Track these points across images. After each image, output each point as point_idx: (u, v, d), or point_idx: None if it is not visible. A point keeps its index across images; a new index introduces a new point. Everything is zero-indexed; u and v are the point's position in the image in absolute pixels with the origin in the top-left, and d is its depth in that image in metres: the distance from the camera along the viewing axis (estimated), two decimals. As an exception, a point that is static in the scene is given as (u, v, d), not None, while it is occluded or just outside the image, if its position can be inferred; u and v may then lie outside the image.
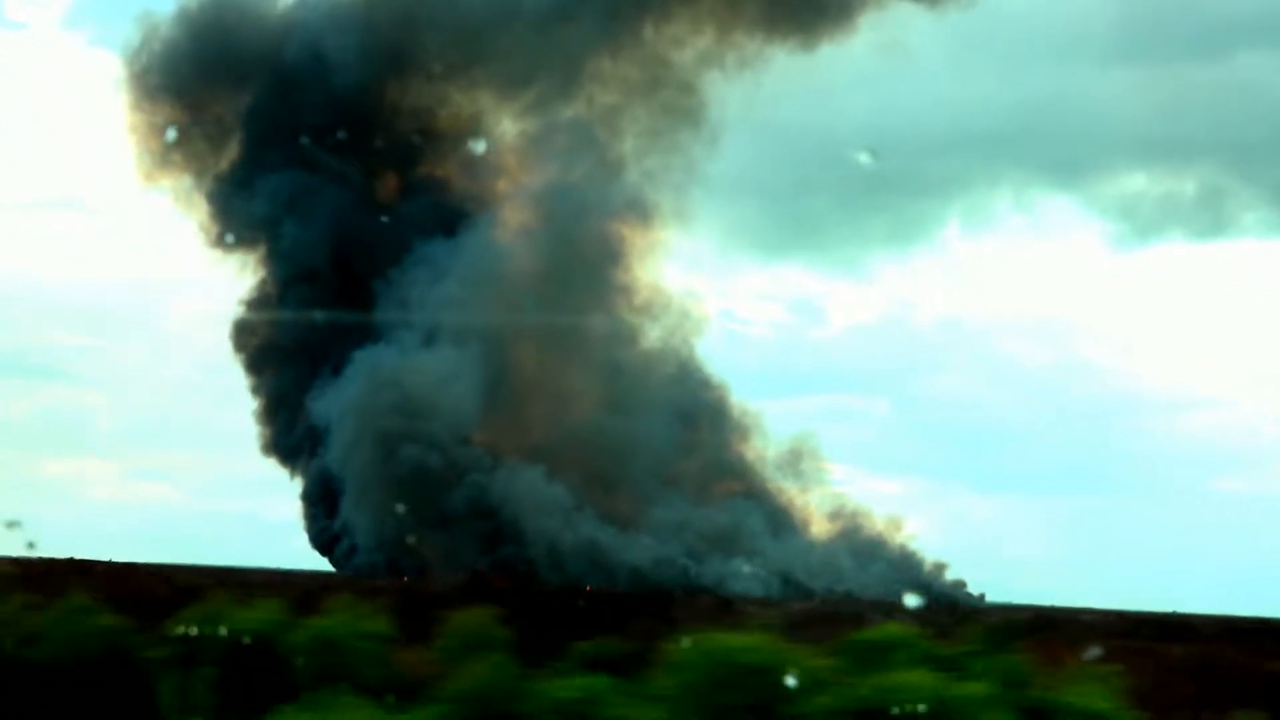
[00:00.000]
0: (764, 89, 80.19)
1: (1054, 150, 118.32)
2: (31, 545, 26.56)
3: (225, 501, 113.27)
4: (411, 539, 71.60)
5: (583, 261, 76.79)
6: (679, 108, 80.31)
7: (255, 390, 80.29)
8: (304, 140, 75.92)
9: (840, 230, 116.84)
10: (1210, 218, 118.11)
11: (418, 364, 72.43)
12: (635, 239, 79.77)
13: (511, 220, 78.52)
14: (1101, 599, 70.80)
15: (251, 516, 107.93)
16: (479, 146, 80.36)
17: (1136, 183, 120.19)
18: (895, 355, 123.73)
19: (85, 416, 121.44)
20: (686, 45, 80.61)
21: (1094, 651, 18.54)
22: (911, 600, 47.61)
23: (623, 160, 79.85)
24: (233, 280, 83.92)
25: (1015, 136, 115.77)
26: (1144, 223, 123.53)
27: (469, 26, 75.38)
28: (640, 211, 78.46)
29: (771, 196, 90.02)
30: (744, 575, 71.28)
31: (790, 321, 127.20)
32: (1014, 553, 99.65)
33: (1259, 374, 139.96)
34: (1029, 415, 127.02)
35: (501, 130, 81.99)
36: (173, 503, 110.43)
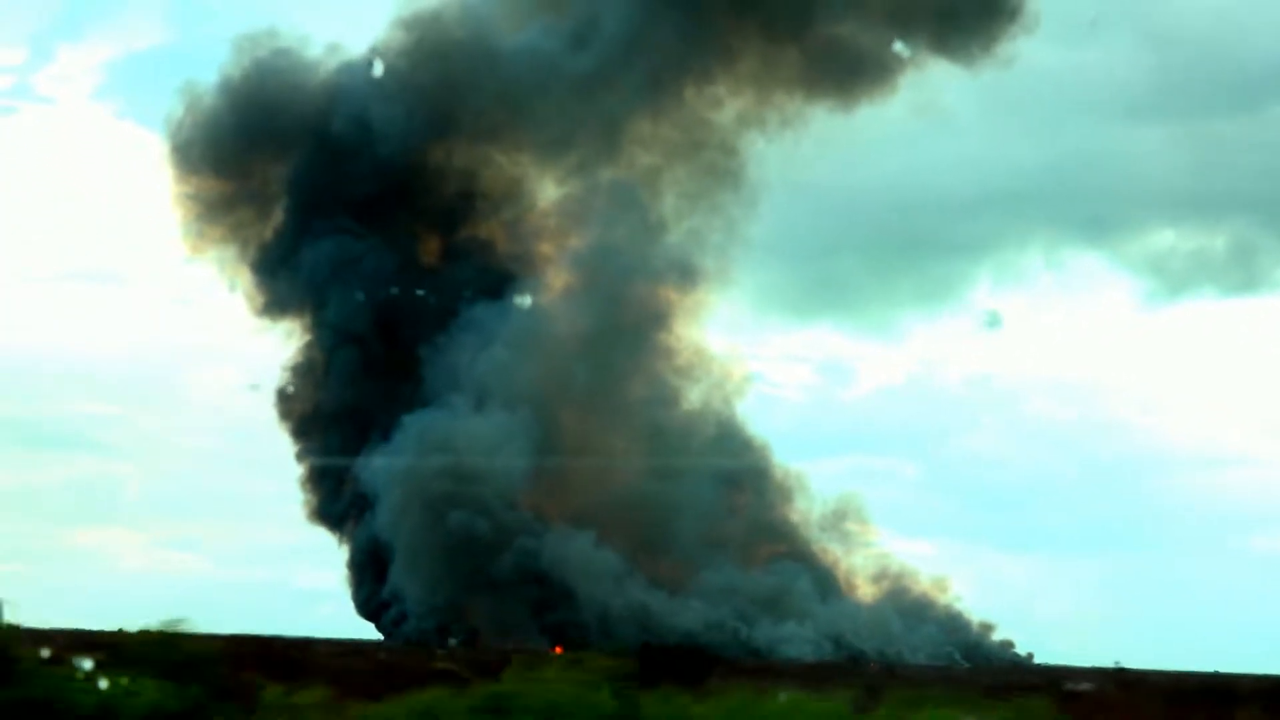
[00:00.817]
0: (799, 150, 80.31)
1: (1084, 208, 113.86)
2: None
3: (254, 570, 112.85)
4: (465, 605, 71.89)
5: (627, 323, 77.11)
6: (719, 169, 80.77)
7: (300, 457, 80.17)
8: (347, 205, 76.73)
9: (870, 291, 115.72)
10: (1242, 273, 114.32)
11: (468, 428, 72.27)
12: (678, 300, 79.70)
13: (556, 283, 79.04)
14: (1136, 658, 69.45)
15: (281, 584, 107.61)
16: (521, 209, 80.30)
17: (1166, 239, 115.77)
18: (924, 416, 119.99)
19: (114, 486, 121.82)
20: (726, 106, 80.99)
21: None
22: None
23: (664, 221, 80.00)
24: (265, 349, 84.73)
25: (1045, 195, 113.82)
26: (1174, 279, 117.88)
27: (510, 90, 76.03)
28: (684, 273, 78.65)
29: (802, 257, 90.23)
30: (796, 639, 71.15)
31: (819, 383, 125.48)
32: (1046, 612, 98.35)
33: None
34: (1058, 474, 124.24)
35: (544, 193, 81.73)
36: (200, 571, 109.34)
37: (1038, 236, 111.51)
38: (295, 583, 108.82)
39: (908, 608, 78.07)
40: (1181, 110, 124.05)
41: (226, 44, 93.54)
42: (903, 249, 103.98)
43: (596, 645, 66.39)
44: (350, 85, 78.71)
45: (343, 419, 78.21)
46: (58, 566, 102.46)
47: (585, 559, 71.87)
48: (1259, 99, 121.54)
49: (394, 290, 76.62)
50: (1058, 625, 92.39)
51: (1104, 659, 66.12)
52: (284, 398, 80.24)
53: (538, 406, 73.55)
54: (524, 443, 71.98)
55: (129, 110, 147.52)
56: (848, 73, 79.10)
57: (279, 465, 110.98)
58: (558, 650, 66.84)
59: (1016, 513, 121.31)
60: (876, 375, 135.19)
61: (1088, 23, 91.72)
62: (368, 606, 75.86)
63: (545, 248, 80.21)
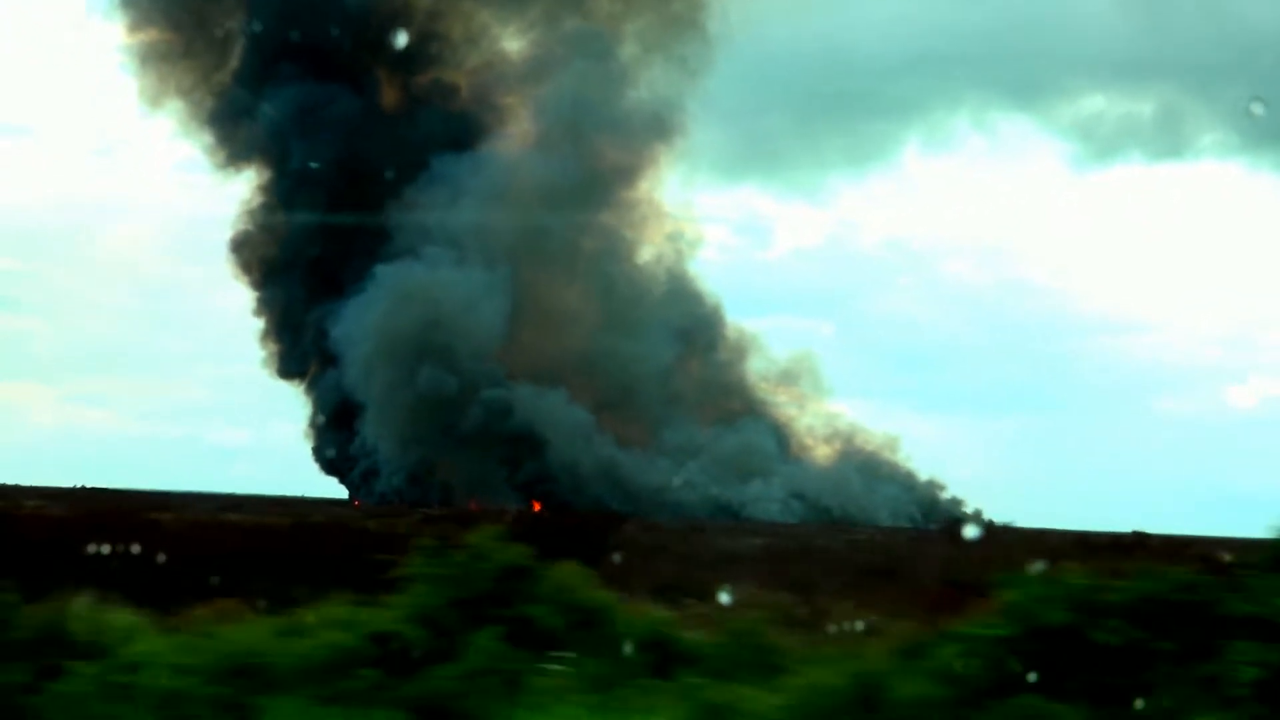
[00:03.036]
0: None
1: (1015, 71, 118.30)
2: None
3: (166, 426, 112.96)
4: (437, 461, 71.36)
5: (595, 176, 75.90)
6: (681, 19, 78.61)
7: (260, 306, 78.26)
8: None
9: (797, 151, 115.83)
10: (1169, 139, 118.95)
11: (445, 281, 71.53)
12: (643, 154, 78.13)
13: (523, 133, 77.80)
14: (1046, 519, 71.97)
15: (194, 441, 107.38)
16: (486, 56, 78.12)
17: (1096, 103, 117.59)
18: (841, 276, 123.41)
19: (23, 341, 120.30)
20: None
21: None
22: (971, 531, 43.77)
23: (626, 72, 78.02)
24: (183, 202, 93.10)
25: (977, 57, 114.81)
26: (1102, 144, 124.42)
27: None
28: (653, 127, 76.59)
29: (730, 117, 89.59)
30: (764, 498, 71.21)
31: (738, 244, 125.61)
32: (961, 474, 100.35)
33: (1211, 296, 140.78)
34: (972, 337, 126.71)
35: (508, 41, 79.82)
36: (111, 427, 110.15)
37: (968, 99, 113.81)
38: (208, 439, 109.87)
39: (864, 467, 77.96)
40: None
41: None
42: (832, 109, 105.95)
43: (569, 502, 68.80)
44: None
45: (306, 269, 76.84)
46: None
47: (558, 415, 71.61)
48: None
49: (359, 138, 74.22)
50: (974, 485, 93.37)
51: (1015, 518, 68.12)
52: (240, 246, 78.24)
53: (510, 261, 73.20)
54: (501, 299, 71.76)
55: None
56: None
57: (192, 322, 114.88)
58: (536, 507, 67.19)
59: (931, 374, 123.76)
60: (796, 236, 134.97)
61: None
62: (334, 462, 75.22)
63: (511, 98, 78.55)
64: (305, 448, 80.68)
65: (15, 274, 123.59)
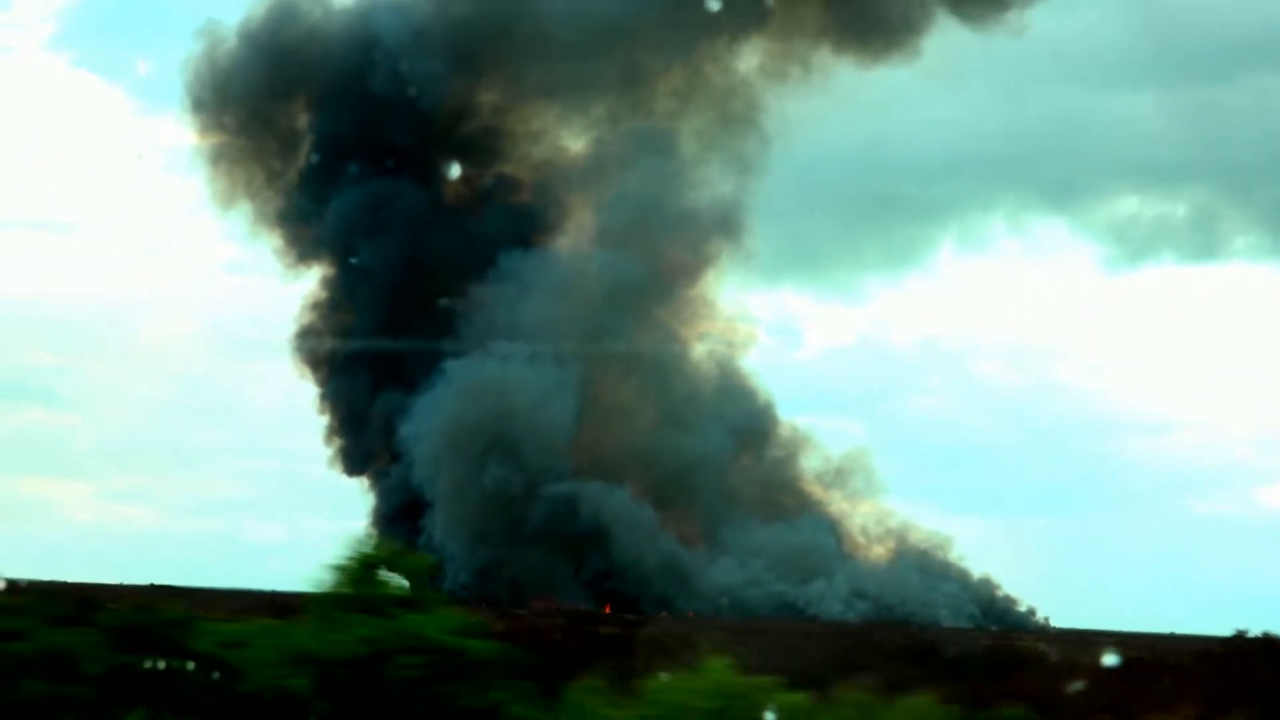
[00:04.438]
0: (783, 107, 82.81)
1: (1050, 173, 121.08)
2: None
3: (203, 522, 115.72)
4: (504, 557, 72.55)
5: (658, 274, 78.60)
6: (739, 119, 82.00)
7: (323, 402, 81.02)
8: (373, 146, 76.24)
9: (835, 253, 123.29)
10: (1202, 240, 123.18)
11: (517, 378, 73.15)
12: (706, 253, 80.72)
13: (590, 229, 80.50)
14: (1082, 619, 74.49)
15: (235, 537, 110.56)
16: (550, 154, 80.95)
17: (1130, 205, 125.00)
18: (873, 373, 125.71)
19: (62, 437, 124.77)
20: (747, 57, 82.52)
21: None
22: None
23: (686, 171, 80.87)
24: (222, 300, 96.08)
25: (1012, 160, 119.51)
26: (1136, 245, 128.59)
27: (540, 35, 77.04)
28: (720, 227, 79.49)
29: (771, 218, 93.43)
30: (827, 596, 71.85)
31: (771, 344, 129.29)
32: (1009, 573, 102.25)
33: (1243, 396, 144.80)
34: (1005, 437, 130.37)
35: (570, 139, 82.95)
36: (148, 523, 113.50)
37: (1002, 202, 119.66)
38: (247, 535, 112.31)
39: (920, 565, 79.08)
40: (1153, 79, 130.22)
41: None
42: (870, 211, 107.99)
43: (636, 599, 69.43)
44: (374, 24, 79.05)
45: (371, 364, 79.12)
46: (3, 517, 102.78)
47: (621, 512, 72.59)
48: (1229, 69, 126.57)
49: (424, 233, 77.03)
50: (1024, 584, 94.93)
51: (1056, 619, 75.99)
52: (303, 342, 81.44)
53: (577, 357, 75.45)
54: (570, 396, 73.56)
55: (85, 60, 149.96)
56: (860, 30, 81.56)
57: (228, 417, 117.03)
58: (607, 610, 68.04)
59: (964, 474, 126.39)
60: (830, 335, 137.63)
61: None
62: None
63: (575, 194, 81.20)
64: (337, 543, 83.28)
65: (54, 369, 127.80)
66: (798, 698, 16.08)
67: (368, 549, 16.47)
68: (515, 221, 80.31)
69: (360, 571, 16.35)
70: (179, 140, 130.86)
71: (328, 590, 16.27)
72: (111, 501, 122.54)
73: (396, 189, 79.03)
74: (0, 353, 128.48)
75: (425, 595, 16.62)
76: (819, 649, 37.29)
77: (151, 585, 63.55)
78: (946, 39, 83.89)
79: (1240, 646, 43.45)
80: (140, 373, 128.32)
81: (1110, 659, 40.07)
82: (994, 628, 75.14)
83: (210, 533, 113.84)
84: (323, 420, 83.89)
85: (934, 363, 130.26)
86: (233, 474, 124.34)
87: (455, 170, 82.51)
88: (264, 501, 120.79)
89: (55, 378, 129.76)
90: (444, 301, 78.21)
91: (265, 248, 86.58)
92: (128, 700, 16.05)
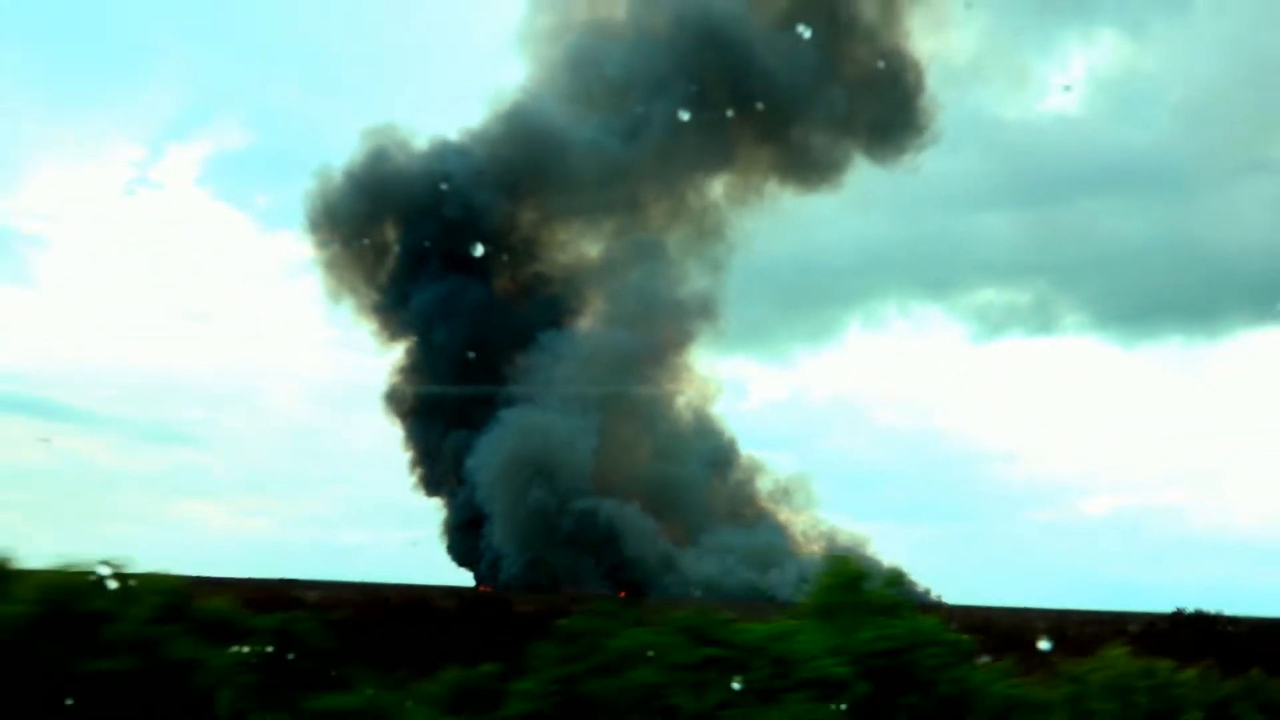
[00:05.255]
0: (745, 224, 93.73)
1: (930, 272, 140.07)
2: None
3: (308, 531, 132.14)
4: (544, 556, 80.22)
5: (653, 346, 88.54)
6: (711, 232, 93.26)
7: (407, 442, 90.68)
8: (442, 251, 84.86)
9: (770, 330, 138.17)
10: (1041, 319, 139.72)
11: (553, 424, 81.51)
12: (688, 329, 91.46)
13: (603, 314, 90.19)
14: (961, 597, 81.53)
15: (328, 542, 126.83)
16: (575, 258, 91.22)
17: (988, 295, 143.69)
18: (800, 421, 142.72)
19: (204, 470, 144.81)
20: (717, 188, 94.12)
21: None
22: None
23: (672, 269, 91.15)
24: (320, 369, 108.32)
25: (903, 263, 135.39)
26: (993, 323, 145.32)
27: (567, 172, 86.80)
28: (698, 310, 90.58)
29: (733, 305, 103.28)
30: (783, 583, 77.49)
31: (730, 397, 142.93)
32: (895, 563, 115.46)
33: (1066, 434, 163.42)
34: (899, 466, 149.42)
35: (590, 246, 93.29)
36: (267, 533, 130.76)
37: (895, 292, 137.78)
38: (337, 541, 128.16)
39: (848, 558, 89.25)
40: (1006, 203, 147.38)
41: (292, 140, 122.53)
42: (801, 300, 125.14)
43: (642, 585, 76.61)
44: (445, 163, 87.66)
45: (443, 413, 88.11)
46: (162, 529, 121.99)
47: (630, 522, 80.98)
48: (1061, 195, 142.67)
49: (482, 316, 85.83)
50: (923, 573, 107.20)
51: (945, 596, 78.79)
52: (392, 397, 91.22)
53: (595, 409, 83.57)
54: (591, 437, 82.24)
55: (221, 194, 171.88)
56: (799, 168, 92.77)
57: (330, 454, 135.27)
58: (622, 594, 69.80)
59: (866, 493, 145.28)
60: (768, 391, 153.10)
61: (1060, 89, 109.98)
62: (468, 555, 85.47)
63: (591, 288, 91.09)
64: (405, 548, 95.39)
65: (199, 420, 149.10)
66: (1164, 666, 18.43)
67: (851, 567, 17.72)
68: (548, 309, 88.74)
69: (851, 583, 17.52)
70: (292, 252, 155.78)
71: (824, 598, 17.35)
72: (240, 516, 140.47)
73: (462, 285, 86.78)
74: (160, 408, 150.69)
75: (900, 602, 17.72)
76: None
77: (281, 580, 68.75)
78: (861, 174, 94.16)
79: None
80: (263, 422, 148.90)
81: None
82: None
83: (312, 539, 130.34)
84: (406, 456, 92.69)
85: (845, 412, 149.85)
86: (330, 497, 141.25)
87: (504, 272, 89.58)
88: (353, 516, 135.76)
89: (200, 426, 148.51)
90: (498, 367, 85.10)
91: (364, 330, 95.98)
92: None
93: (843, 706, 16.00)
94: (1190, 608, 42.07)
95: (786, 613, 17.84)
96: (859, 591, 17.52)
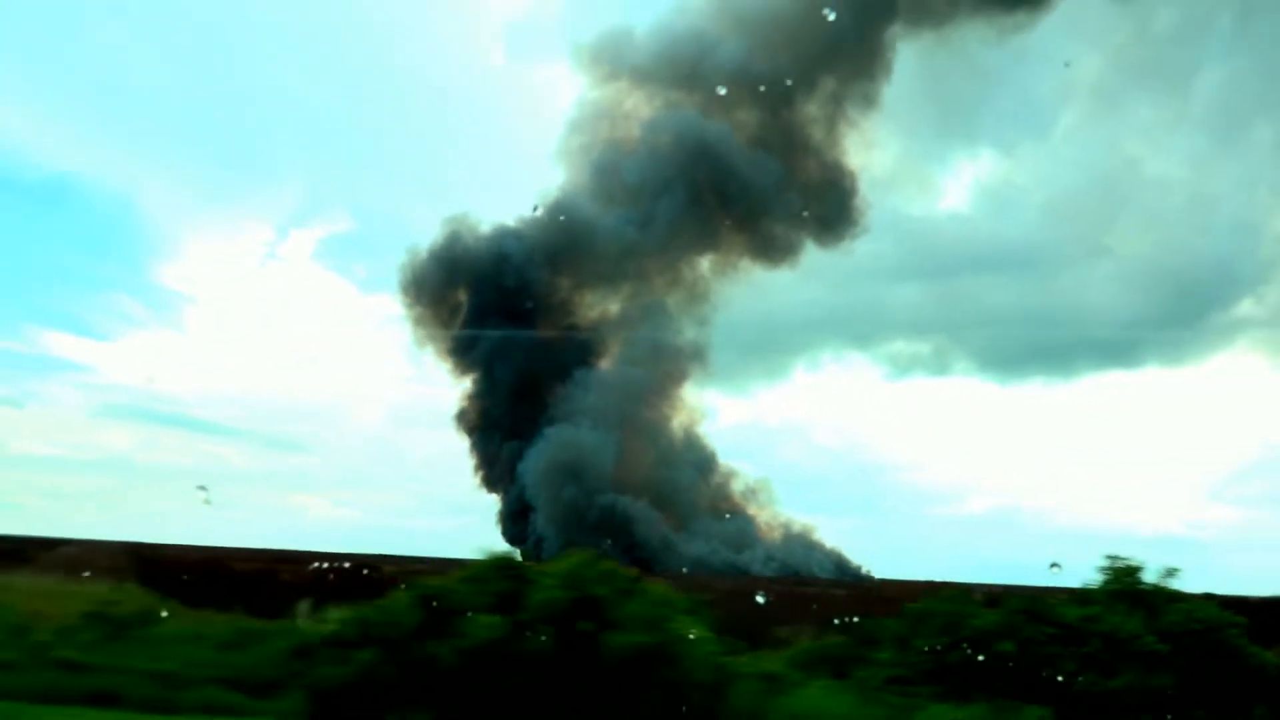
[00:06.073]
0: (725, 292, 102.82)
1: (858, 328, 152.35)
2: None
3: (385, 518, 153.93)
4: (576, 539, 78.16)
5: (657, 382, 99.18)
6: (700, 297, 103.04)
7: (472, 451, 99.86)
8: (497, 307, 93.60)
9: (740, 372, 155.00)
10: (939, 364, 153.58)
11: (584, 438, 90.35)
12: (685, 368, 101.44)
13: (620, 357, 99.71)
14: (885, 573, 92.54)
15: (400, 527, 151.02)
16: (600, 314, 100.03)
17: (900, 345, 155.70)
18: (759, 439, 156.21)
19: (310, 471, 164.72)
20: (705, 263, 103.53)
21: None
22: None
23: (673, 322, 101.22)
24: (403, 398, 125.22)
25: (838, 321, 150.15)
26: (902, 367, 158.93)
27: (598, 252, 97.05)
28: (691, 355, 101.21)
29: (714, 351, 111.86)
30: (755, 561, 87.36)
31: (710, 421, 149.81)
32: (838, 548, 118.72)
33: (956, 450, 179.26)
34: (833, 473, 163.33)
35: (610, 304, 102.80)
36: (355, 519, 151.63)
37: (830, 343, 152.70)
38: (407, 525, 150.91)
39: (801, 542, 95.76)
40: (915, 277, 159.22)
41: (383, 225, 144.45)
42: (761, 349, 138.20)
43: (650, 563, 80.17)
44: (503, 242, 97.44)
45: (500, 429, 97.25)
46: (279, 515, 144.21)
47: (641, 513, 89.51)
48: (957, 270, 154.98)
49: (532, 358, 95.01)
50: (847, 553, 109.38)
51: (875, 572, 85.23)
52: (461, 418, 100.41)
53: (615, 427, 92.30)
54: (612, 448, 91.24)
55: (332, 266, 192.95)
56: (765, 250, 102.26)
57: (404, 461, 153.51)
58: (635, 569, 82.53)
59: (809, 494, 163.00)
60: (733, 417, 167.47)
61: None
62: (518, 538, 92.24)
63: (612, 337, 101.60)
64: (471, 529, 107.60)
65: (308, 433, 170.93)
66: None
67: (1130, 563, 18.06)
68: (581, 352, 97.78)
69: (1133, 574, 18.44)
70: (382, 309, 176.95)
71: (1117, 585, 17.82)
72: (336, 507, 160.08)
73: (516, 334, 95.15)
74: (279, 424, 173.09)
75: (1174, 593, 18.04)
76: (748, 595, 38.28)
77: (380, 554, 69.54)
78: (810, 255, 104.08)
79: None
80: (355, 435, 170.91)
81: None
82: (846, 578, 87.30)
83: (393, 525, 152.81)
84: (470, 462, 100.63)
85: (791, 434, 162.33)
86: (406, 492, 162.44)
87: (548, 323, 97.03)
88: (422, 506, 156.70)
89: (308, 438, 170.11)
90: (544, 395, 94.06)
91: (436, 367, 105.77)
92: None
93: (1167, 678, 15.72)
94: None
95: (1075, 595, 17.80)
96: (1139, 581, 17.73)
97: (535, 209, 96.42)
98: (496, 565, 18.57)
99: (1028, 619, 17.59)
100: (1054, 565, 30.17)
